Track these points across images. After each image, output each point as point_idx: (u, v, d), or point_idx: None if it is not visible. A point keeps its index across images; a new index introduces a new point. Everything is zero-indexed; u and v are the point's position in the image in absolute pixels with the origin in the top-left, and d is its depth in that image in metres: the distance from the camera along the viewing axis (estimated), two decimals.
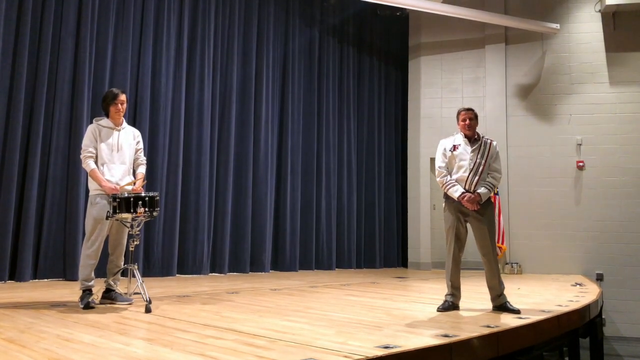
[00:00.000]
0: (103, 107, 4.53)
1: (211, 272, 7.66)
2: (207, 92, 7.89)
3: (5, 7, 6.10)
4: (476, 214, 4.32)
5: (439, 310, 4.31)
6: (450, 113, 10.12)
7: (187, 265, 7.39)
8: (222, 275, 7.64)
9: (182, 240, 7.38)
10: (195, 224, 7.49)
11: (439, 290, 5.75)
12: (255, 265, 8.15)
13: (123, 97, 4.48)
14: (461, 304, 4.44)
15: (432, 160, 10.06)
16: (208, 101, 7.89)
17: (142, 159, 4.64)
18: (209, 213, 7.69)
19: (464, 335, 3.24)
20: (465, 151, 4.42)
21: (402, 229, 10.67)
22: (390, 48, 11.15)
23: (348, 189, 9.92)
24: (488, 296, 4.42)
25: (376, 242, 10.21)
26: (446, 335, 3.18)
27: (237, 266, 7.96)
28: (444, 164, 4.48)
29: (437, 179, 4.50)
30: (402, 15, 10.59)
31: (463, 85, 10.20)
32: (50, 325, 3.28)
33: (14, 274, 5.92)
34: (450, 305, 4.37)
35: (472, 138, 4.49)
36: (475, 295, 5.16)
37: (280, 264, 8.58)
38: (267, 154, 8.55)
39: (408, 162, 10.53)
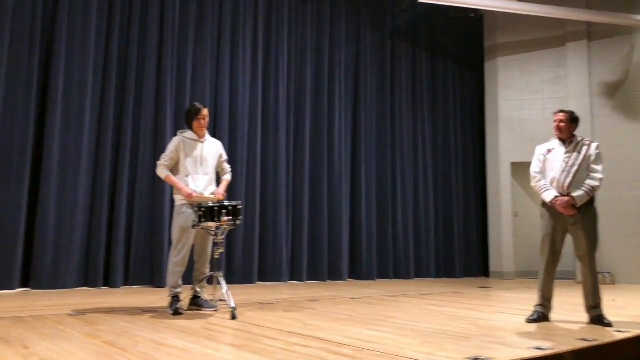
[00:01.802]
0: (186, 121, 4.69)
1: (290, 280, 7.75)
2: (282, 104, 8.03)
3: (95, 31, 6.49)
4: (572, 219, 4.09)
5: (528, 321, 4.12)
6: (530, 115, 9.74)
7: (267, 273, 7.52)
8: (301, 283, 7.71)
9: (261, 249, 7.53)
10: (274, 232, 7.62)
11: (525, 301, 5.50)
12: (333, 274, 8.16)
13: (205, 111, 4.63)
14: (552, 316, 4.22)
15: (513, 164, 9.73)
16: (283, 112, 8.03)
17: (228, 167, 4.79)
18: (286, 222, 7.80)
19: (558, 348, 3.07)
20: (559, 154, 4.24)
21: (482, 237, 10.33)
22: (465, 50, 10.89)
23: (424, 196, 9.74)
24: (581, 308, 4.17)
25: (455, 250, 9.95)
26: (539, 348, 3.03)
27: (315, 274, 8.01)
28: (538, 169, 4.32)
29: (532, 184, 4.34)
30: (476, 17, 10.33)
31: (543, 86, 9.79)
32: (144, 330, 3.42)
33: (108, 281, 6.26)
34: (541, 316, 4.17)
35: (567, 140, 4.28)
36: (567, 306, 4.90)
37: (358, 272, 8.54)
38: (342, 162, 8.57)
39: (487, 168, 10.21)
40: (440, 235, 9.93)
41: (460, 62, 10.80)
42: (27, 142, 5.90)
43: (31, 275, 5.82)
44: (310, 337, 3.32)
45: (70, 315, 4.02)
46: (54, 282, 5.86)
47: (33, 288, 5.78)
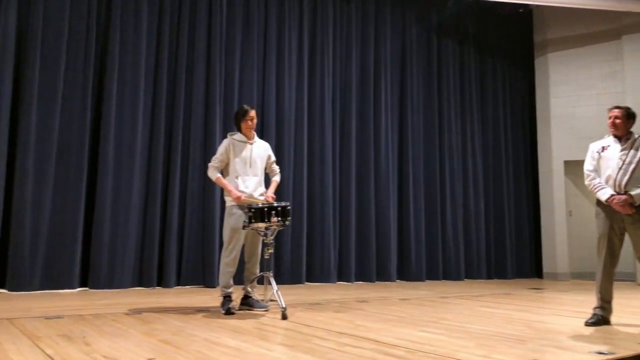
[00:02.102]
0: (235, 122, 4.76)
1: (338, 280, 7.75)
2: (328, 104, 8.04)
3: (146, 37, 6.69)
4: (630, 218, 3.92)
5: (587, 324, 3.98)
6: (584, 112, 9.40)
7: (315, 274, 7.54)
8: (349, 284, 7.69)
9: (309, 249, 7.56)
10: (321, 233, 7.64)
11: (582, 303, 5.31)
12: (381, 275, 8.11)
13: (253, 112, 4.68)
14: (612, 319, 4.05)
15: (566, 163, 9.41)
16: (329, 112, 8.03)
17: (277, 169, 4.84)
18: (334, 222, 7.80)
19: (620, 352, 2.94)
20: (614, 151, 4.07)
21: (534, 237, 10.03)
22: (513, 47, 10.61)
23: (474, 196, 9.54)
24: None
25: (507, 251, 9.70)
26: (601, 353, 2.91)
27: (363, 275, 7.98)
28: (592, 167, 4.16)
29: (586, 183, 4.18)
30: (524, 12, 10.05)
31: (597, 81, 9.41)
32: (198, 329, 3.49)
33: (161, 281, 6.43)
34: (600, 319, 4.01)
35: (623, 137, 4.11)
36: (627, 309, 4.70)
37: (407, 273, 8.45)
38: (388, 162, 8.51)
39: (539, 166, 9.91)
40: (491, 235, 9.70)
41: (509, 59, 10.53)
42: (84, 147, 6.13)
43: (89, 275, 6.04)
44: (361, 337, 3.30)
45: (127, 314, 4.15)
46: (111, 282, 6.07)
47: (91, 287, 6.00)
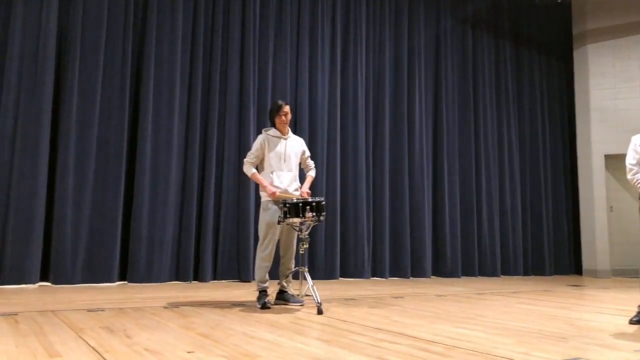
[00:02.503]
0: (269, 118, 4.77)
1: (372, 276, 7.73)
2: (361, 99, 8.01)
3: (181, 36, 6.77)
4: None
5: (631, 322, 3.86)
6: (625, 104, 9.12)
7: (349, 269, 7.53)
8: (383, 279, 7.66)
9: (343, 245, 7.56)
10: (355, 228, 7.62)
11: (625, 301, 5.15)
12: (416, 271, 8.05)
13: (287, 108, 4.68)
14: None
15: (607, 157, 9.15)
16: (362, 107, 8.00)
17: (311, 164, 4.84)
18: (367, 218, 7.77)
19: None
20: None
21: (573, 233, 9.80)
22: (551, 38, 10.36)
23: (511, 191, 9.38)
24: None
25: (545, 247, 9.50)
26: None
27: (398, 271, 7.94)
28: (634, 161, 4.03)
29: (628, 177, 4.05)
30: (563, 3, 9.79)
31: (638, 73, 9.12)
32: (235, 323, 3.52)
33: (197, 275, 6.53)
34: None
35: None
36: None
37: (442, 269, 8.37)
38: (423, 157, 8.42)
39: (578, 160, 9.66)
40: (528, 231, 9.52)
41: (546, 51, 10.29)
42: (122, 145, 6.26)
43: (128, 270, 6.17)
44: (398, 333, 3.28)
45: (165, 307, 4.22)
46: (149, 276, 6.19)
47: (130, 281, 6.13)
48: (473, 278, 8.42)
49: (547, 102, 10.14)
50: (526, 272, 9.30)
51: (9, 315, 3.64)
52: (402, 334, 3.27)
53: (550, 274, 9.41)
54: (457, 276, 8.34)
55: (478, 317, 4.05)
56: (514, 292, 6.14)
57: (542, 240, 9.52)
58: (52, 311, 3.85)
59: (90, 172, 6.06)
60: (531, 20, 10.18)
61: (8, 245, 5.51)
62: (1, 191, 5.59)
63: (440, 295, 5.64)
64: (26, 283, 5.52)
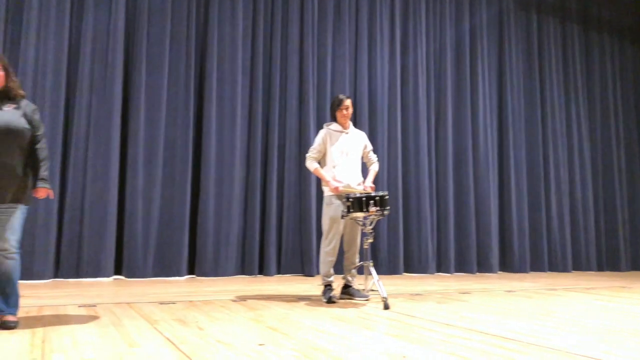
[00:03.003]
0: (331, 112, 4.76)
1: (437, 271, 7.60)
2: (422, 91, 7.86)
3: (242, 34, 6.87)
4: None
5: None
6: None
7: (413, 264, 7.44)
8: (449, 275, 7.51)
9: (406, 240, 7.47)
10: (418, 222, 7.51)
11: None
12: (482, 266, 7.85)
13: (348, 102, 4.66)
14: None
15: None
16: (423, 100, 7.86)
17: (374, 157, 4.80)
18: (431, 212, 7.64)
19: None
20: None
21: None
22: (624, 22, 9.79)
23: (582, 183, 8.96)
24: None
25: (620, 241, 9.03)
26: None
27: (463, 266, 7.76)
28: None
29: None
30: None
31: None
32: (302, 317, 3.54)
33: (262, 269, 6.63)
34: None
35: None
36: None
37: (509, 264, 8.12)
38: (487, 148, 8.18)
39: None
40: (602, 224, 9.07)
41: (620, 35, 9.74)
42: (188, 143, 6.42)
43: (196, 264, 6.35)
44: (469, 329, 3.19)
45: (233, 300, 4.30)
46: (216, 270, 6.34)
47: (198, 275, 6.30)
48: (542, 273, 8.12)
49: (619, 90, 9.61)
50: (600, 268, 8.87)
51: (89, 306, 3.82)
52: (473, 329, 3.19)
53: (627, 269, 8.94)
54: (525, 271, 8.07)
55: (552, 314, 3.89)
56: (588, 288, 5.87)
57: (617, 234, 9.04)
58: (128, 303, 4.00)
59: (159, 170, 6.26)
60: (601, 2, 9.66)
61: (84, 240, 5.78)
62: (77, 189, 5.87)
63: (509, 291, 5.47)
64: (102, 276, 5.78)
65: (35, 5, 5.83)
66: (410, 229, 7.51)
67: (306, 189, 6.89)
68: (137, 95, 6.23)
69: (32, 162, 3.15)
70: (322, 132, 4.66)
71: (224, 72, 6.73)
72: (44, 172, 3.16)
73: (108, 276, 5.83)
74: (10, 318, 2.98)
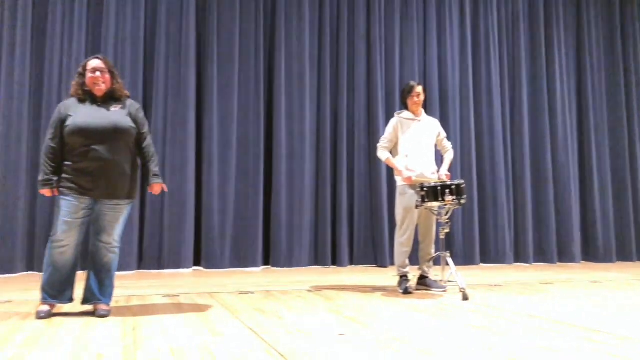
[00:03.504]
0: (401, 100, 4.68)
1: (515, 261, 7.34)
2: (495, 76, 7.58)
3: (309, 25, 6.89)
4: None
5: None
6: None
7: (490, 254, 7.22)
8: (528, 265, 7.23)
9: (482, 229, 7.26)
10: (495, 212, 7.27)
11: None
12: (563, 256, 7.50)
13: (419, 89, 4.56)
14: None
15: None
16: (496, 85, 7.57)
17: (448, 145, 4.69)
18: (507, 200, 7.38)
19: None
20: None
21: None
22: None
23: None
24: None
25: None
26: None
27: (543, 256, 7.45)
28: None
29: None
30: None
31: None
32: (380, 307, 3.52)
33: (335, 260, 6.66)
34: None
35: None
36: None
37: (593, 254, 7.71)
38: (567, 131, 7.78)
39: None
40: None
41: None
42: (259, 136, 6.53)
43: (270, 255, 6.47)
44: (555, 321, 3.06)
45: (309, 291, 4.34)
46: (290, 260, 6.43)
47: (273, 266, 6.42)
48: (630, 263, 7.65)
49: None
50: None
51: (172, 296, 3.98)
52: (559, 321, 3.05)
53: None
54: (611, 261, 7.63)
55: None
56: None
57: None
58: (209, 293, 4.13)
59: (233, 164, 6.41)
60: None
61: (165, 232, 6.03)
62: None
63: (595, 282, 5.19)
64: (182, 267, 6.01)
65: (112, 8, 6.10)
66: (486, 218, 7.29)
67: (377, 179, 6.84)
68: (209, 93, 6.39)
69: (138, 160, 3.31)
70: (393, 121, 4.60)
71: (292, 66, 6.78)
72: (154, 167, 3.31)
73: (188, 267, 6.05)
74: (103, 307, 3.16)
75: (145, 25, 6.31)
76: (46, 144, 3.14)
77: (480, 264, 7.12)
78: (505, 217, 7.26)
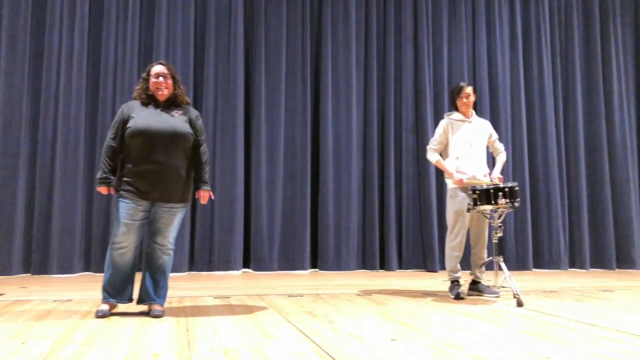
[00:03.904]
0: (450, 101, 4.59)
1: (570, 267, 7.09)
2: (547, 74, 7.36)
3: (355, 29, 6.88)
4: None
5: None
6: None
7: (543, 259, 7.00)
8: (584, 271, 6.98)
9: (535, 233, 7.05)
10: (548, 215, 7.05)
11: None
12: (623, 261, 7.19)
13: (468, 89, 4.46)
14: None
15: None
16: (549, 83, 7.35)
17: (501, 147, 4.59)
18: (562, 203, 7.14)
19: None
20: None
21: None
22: None
23: None
24: None
25: None
26: None
27: (600, 261, 7.17)
28: None
29: None
30: None
31: None
32: (431, 313, 3.46)
33: (383, 264, 6.61)
34: None
35: None
36: None
37: None
38: (624, 131, 7.47)
39: None
40: None
41: None
42: (306, 140, 6.56)
43: (318, 258, 6.47)
44: (617, 330, 2.92)
45: (358, 295, 4.32)
46: (337, 264, 6.42)
47: (320, 269, 6.42)
48: None
49: None
50: None
51: (223, 297, 4.03)
52: (622, 331, 2.91)
53: None
54: None
55: None
56: None
57: None
58: (258, 295, 4.17)
59: (280, 167, 6.46)
60: None
61: (215, 235, 6.13)
62: None
63: None
64: (232, 269, 6.10)
65: (163, 16, 6.27)
66: (540, 222, 7.07)
67: (426, 182, 6.75)
68: (257, 96, 6.47)
69: (193, 165, 3.38)
70: (442, 122, 4.52)
71: (338, 68, 6.79)
72: (205, 174, 3.38)
73: (237, 269, 6.13)
74: (158, 307, 3.24)
75: (194, 28, 6.44)
76: (107, 143, 3.25)
77: (534, 269, 6.92)
78: (560, 221, 7.02)
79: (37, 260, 5.69)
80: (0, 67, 5.76)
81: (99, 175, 3.23)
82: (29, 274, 5.69)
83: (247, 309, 3.50)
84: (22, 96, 5.81)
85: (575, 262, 7.11)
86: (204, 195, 3.37)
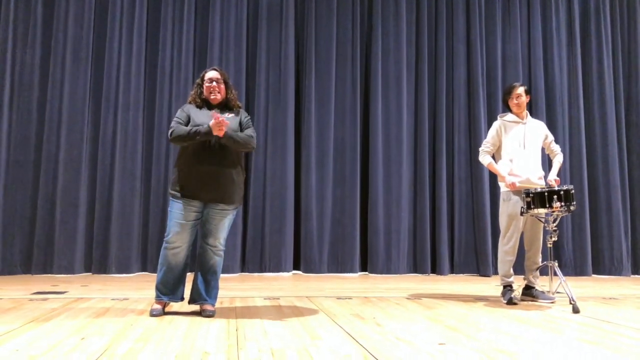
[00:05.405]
0: (503, 102, 4.50)
1: (633, 273, 6.77)
2: (607, 73, 7.07)
3: (406, 30, 6.83)
4: None
5: None
6: None
7: (604, 265, 6.72)
8: None
9: (594, 238, 6.78)
10: (608, 219, 6.76)
11: None
12: None
13: (519, 89, 4.35)
14: None
15: None
16: (609, 83, 7.05)
17: (557, 149, 4.45)
18: (623, 207, 6.83)
19: None
20: None
21: None
22: None
23: None
24: None
25: None
26: None
27: None
28: None
29: None
30: None
31: None
32: (482, 318, 3.38)
33: (435, 268, 6.52)
34: None
35: None
36: None
37: None
38: None
39: None
40: None
41: None
42: (356, 142, 6.56)
43: (368, 261, 6.46)
44: None
45: (408, 298, 4.28)
46: (387, 267, 6.38)
47: (370, 272, 6.40)
48: None
49: None
50: None
51: (273, 299, 4.09)
52: None
53: None
54: None
55: None
56: None
57: None
58: (307, 297, 4.20)
59: (330, 170, 6.49)
60: None
61: (266, 237, 6.22)
62: (258, 191, 6.34)
63: None
64: (282, 271, 6.17)
65: (217, 24, 6.43)
66: (599, 226, 6.79)
67: (478, 185, 6.61)
68: (307, 99, 6.53)
69: (242, 167, 3.46)
70: (495, 124, 4.43)
71: (388, 69, 6.76)
72: (239, 134, 3.31)
73: (288, 271, 6.20)
74: (209, 307, 3.32)
75: (247, 34, 6.57)
76: (173, 126, 3.26)
77: (593, 275, 6.65)
78: (622, 226, 6.72)
79: (98, 260, 5.94)
80: (65, 75, 6.07)
81: (198, 130, 3.17)
82: (90, 273, 5.95)
83: (296, 311, 3.53)
84: (85, 103, 6.10)
85: (638, 268, 6.79)
86: (217, 116, 3.14)
